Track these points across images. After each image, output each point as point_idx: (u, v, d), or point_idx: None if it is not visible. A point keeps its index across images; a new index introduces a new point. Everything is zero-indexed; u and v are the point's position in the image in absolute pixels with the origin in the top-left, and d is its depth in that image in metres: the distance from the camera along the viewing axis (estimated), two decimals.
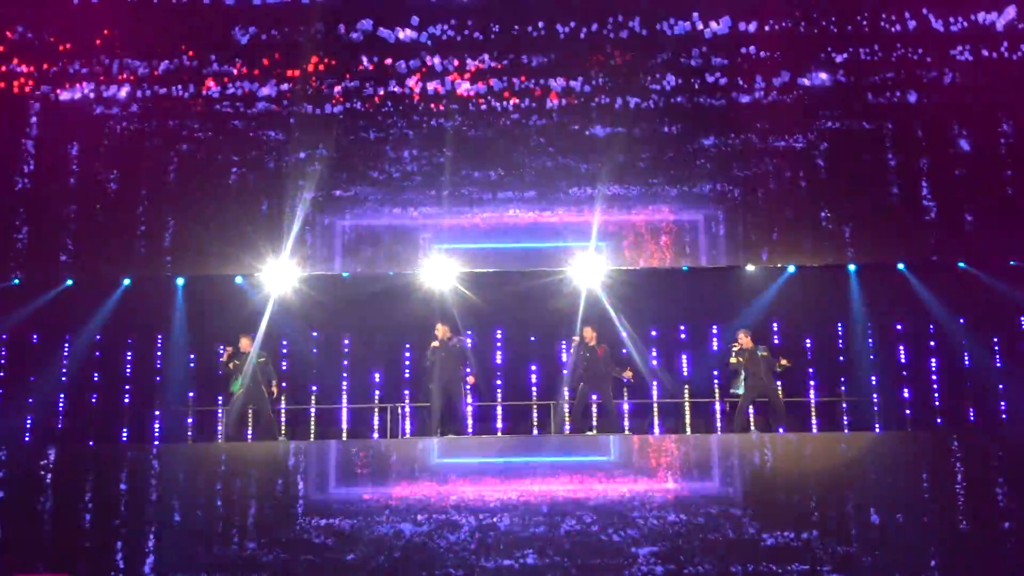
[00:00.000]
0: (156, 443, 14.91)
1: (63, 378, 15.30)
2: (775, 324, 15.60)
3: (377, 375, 15.85)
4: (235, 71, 11.34)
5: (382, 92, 11.59)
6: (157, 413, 15.42)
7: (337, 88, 11.48)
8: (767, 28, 11.89)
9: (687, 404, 15.51)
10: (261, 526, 12.88)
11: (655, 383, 15.58)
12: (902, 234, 14.06)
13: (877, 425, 15.21)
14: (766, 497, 12.99)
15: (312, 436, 15.33)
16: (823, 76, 12.48)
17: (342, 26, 10.79)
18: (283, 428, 15.26)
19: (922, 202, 13.88)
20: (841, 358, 15.62)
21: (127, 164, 13.78)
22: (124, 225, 13.94)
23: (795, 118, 13.70)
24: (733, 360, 14.13)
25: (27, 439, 14.90)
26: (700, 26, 11.21)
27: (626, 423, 15.43)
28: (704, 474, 13.23)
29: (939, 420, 15.30)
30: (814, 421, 15.30)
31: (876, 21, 12.96)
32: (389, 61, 10.89)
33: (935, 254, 14.01)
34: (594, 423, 14.86)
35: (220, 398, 15.25)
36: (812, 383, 15.63)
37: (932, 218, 13.91)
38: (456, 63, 10.88)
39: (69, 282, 14.59)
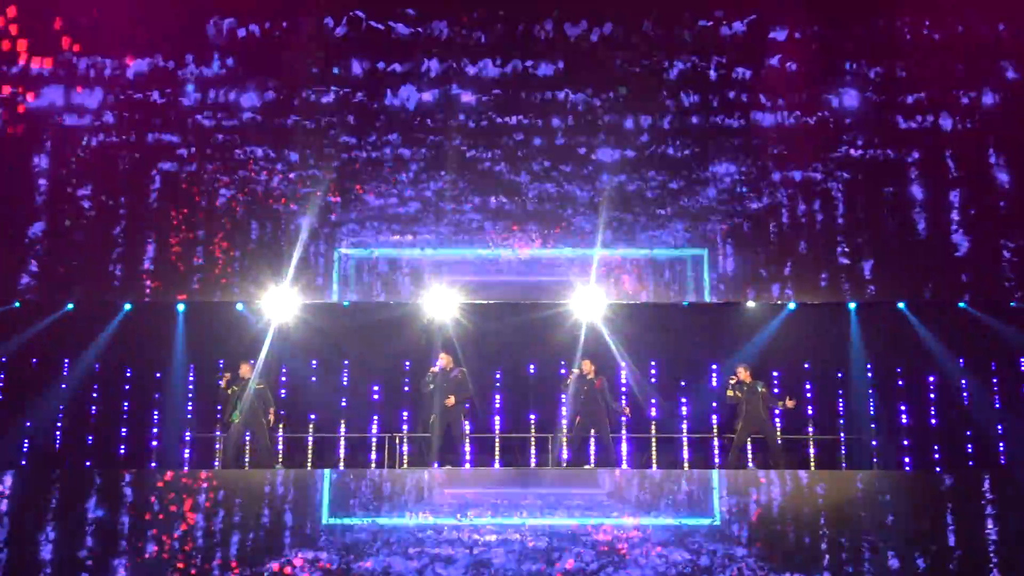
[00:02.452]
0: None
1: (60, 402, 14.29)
2: (775, 361, 14.67)
3: (376, 403, 14.96)
4: (213, 73, 9.83)
5: (376, 105, 10.10)
6: (155, 437, 14.52)
7: (326, 98, 9.97)
8: (796, 35, 10.14)
9: (685, 439, 14.50)
10: (244, 558, 11.56)
11: (654, 415, 14.60)
12: (929, 272, 12.43)
13: (875, 463, 14.26)
14: (773, 536, 11.68)
15: (309, 465, 14.30)
16: (851, 93, 10.68)
17: (330, 20, 9.32)
18: (280, 456, 14.26)
19: (951, 238, 12.13)
20: (840, 396, 14.63)
21: (103, 181, 12.09)
22: (100, 247, 12.41)
23: (815, 144, 11.76)
24: (730, 393, 13.23)
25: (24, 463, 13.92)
26: (724, 30, 9.64)
27: (624, 457, 14.42)
28: (707, 511, 11.99)
29: (938, 457, 14.21)
30: (812, 458, 14.31)
31: (914, 33, 10.68)
32: (382, 65, 9.45)
33: (968, 294, 12.41)
34: (592, 457, 13.83)
35: (218, 424, 14.22)
36: (811, 420, 14.65)
37: (963, 255, 12.13)
38: (456, 72, 9.46)
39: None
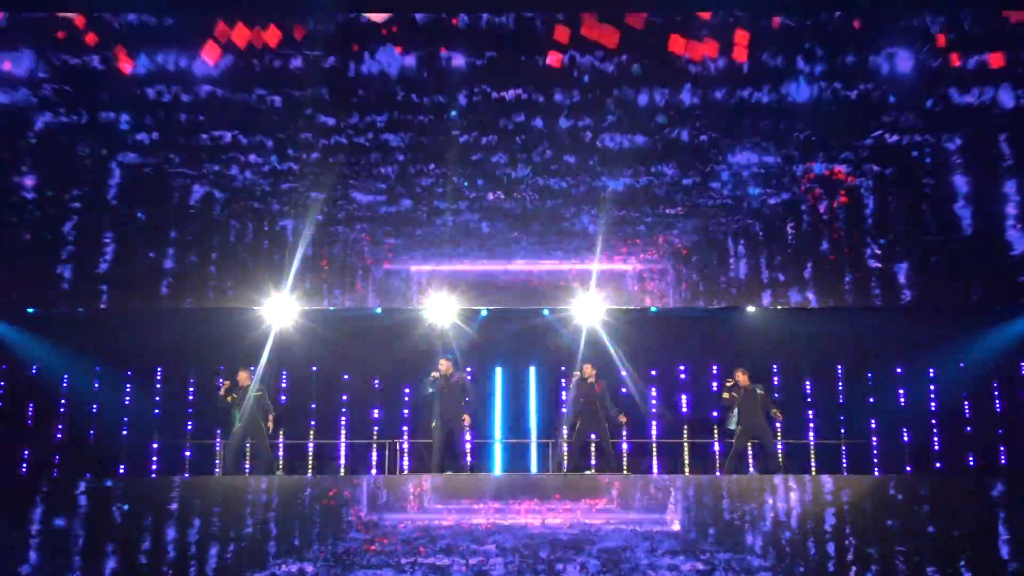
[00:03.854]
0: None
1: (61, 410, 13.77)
2: (775, 365, 14.26)
3: (376, 411, 14.57)
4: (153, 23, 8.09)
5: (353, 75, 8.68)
6: (155, 446, 13.93)
7: (295, 61, 8.39)
8: None
9: (686, 444, 14.01)
10: (224, 570, 10.63)
11: (654, 423, 14.10)
12: (977, 275, 10.48)
13: (876, 468, 13.66)
14: (788, 545, 10.70)
15: (310, 471, 13.80)
16: (903, 56, 8.18)
17: None
18: (280, 463, 13.78)
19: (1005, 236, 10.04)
20: (841, 400, 14.16)
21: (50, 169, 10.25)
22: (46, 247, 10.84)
23: (847, 125, 9.68)
24: (725, 396, 12.80)
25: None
26: None
27: (625, 462, 13.92)
28: (716, 518, 11.22)
29: (938, 464, 13.66)
30: (813, 463, 13.82)
31: None
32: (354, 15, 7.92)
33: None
34: (592, 462, 13.34)
35: (219, 431, 13.74)
36: (811, 425, 14.15)
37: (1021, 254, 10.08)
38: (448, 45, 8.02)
39: None
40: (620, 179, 10.56)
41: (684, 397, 14.52)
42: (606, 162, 10.03)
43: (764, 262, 12.07)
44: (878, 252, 11.00)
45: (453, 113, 8.65)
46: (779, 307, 13.16)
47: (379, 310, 13.97)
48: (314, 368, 14.52)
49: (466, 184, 10.44)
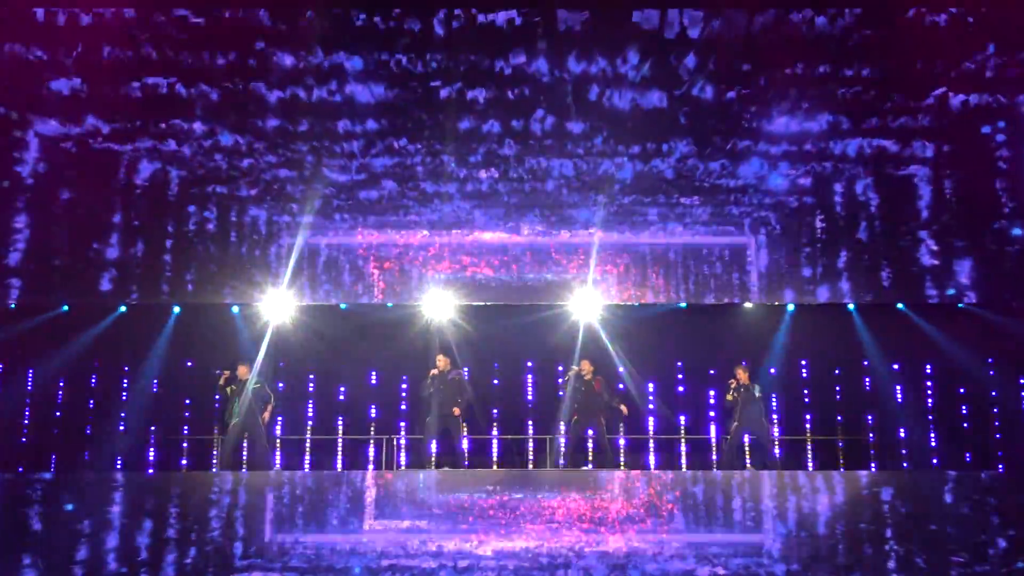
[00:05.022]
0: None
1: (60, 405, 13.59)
2: (774, 362, 14.04)
3: (373, 407, 14.31)
4: None
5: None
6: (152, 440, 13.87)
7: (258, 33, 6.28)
8: None
9: (683, 440, 13.77)
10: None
11: (652, 418, 13.88)
12: None
13: (873, 464, 13.67)
14: (806, 547, 10.04)
15: (307, 467, 13.57)
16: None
17: None
18: (277, 458, 13.62)
19: None
20: (839, 396, 13.96)
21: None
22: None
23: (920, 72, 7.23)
24: (730, 397, 12.56)
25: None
26: None
27: (622, 458, 13.68)
28: (725, 517, 10.64)
29: (935, 460, 13.47)
30: (810, 460, 13.82)
31: None
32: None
33: None
34: (590, 458, 13.12)
35: (216, 427, 13.57)
36: (808, 419, 14.03)
37: None
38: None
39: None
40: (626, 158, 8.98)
41: (681, 389, 14.33)
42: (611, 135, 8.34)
43: (783, 256, 11.00)
44: (934, 248, 9.55)
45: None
46: (777, 304, 12.93)
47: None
48: (311, 366, 14.28)
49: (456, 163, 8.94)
